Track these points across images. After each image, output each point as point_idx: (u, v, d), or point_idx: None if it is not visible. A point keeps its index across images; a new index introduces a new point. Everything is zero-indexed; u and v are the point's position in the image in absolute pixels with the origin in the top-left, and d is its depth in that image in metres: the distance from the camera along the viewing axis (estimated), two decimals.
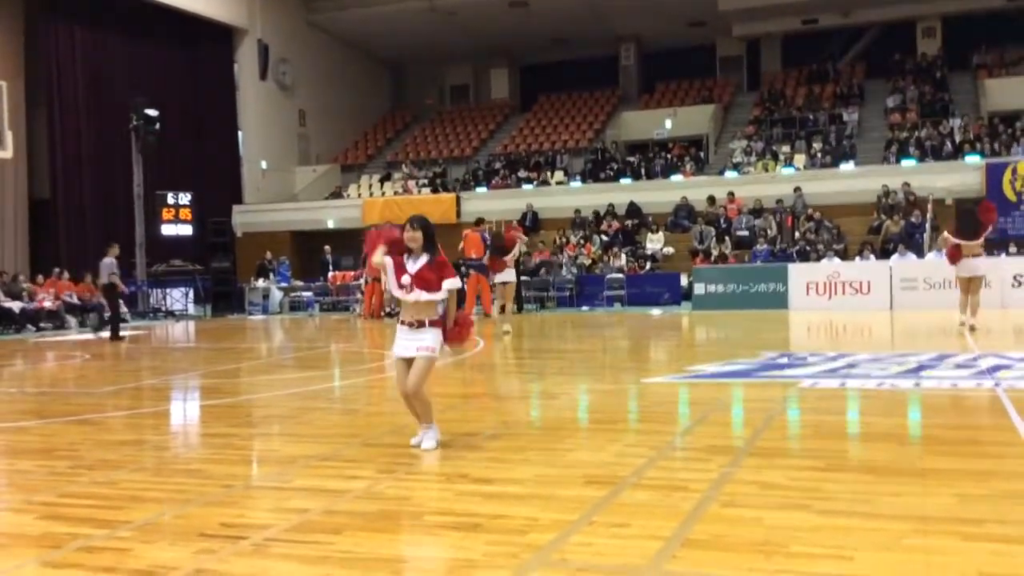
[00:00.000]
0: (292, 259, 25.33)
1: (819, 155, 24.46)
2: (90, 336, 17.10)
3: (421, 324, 5.49)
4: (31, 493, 4.84)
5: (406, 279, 5.45)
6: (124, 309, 16.75)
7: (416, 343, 5.48)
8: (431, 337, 5.49)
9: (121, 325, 16.67)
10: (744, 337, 12.75)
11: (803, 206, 22.14)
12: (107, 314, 16.80)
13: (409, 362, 5.52)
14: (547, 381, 8.83)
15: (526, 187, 26.24)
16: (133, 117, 22.08)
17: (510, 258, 14.27)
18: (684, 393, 7.80)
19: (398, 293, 5.52)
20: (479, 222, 17.87)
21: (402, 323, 5.55)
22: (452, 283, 5.50)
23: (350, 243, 23.68)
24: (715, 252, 21.09)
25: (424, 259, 5.48)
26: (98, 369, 11.60)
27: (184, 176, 25.07)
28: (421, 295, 5.44)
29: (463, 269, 17.18)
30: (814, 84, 28.73)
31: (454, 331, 5.64)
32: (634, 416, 6.89)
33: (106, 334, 16.28)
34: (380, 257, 5.51)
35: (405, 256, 5.53)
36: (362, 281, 19.93)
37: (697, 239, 21.98)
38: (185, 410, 8.25)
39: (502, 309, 14.74)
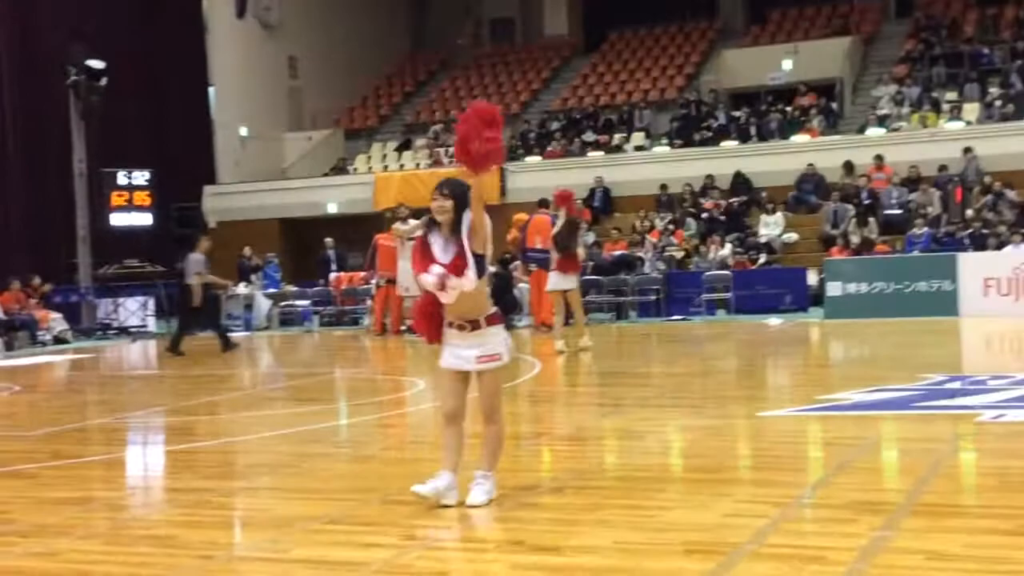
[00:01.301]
0: (282, 256, 25.60)
1: (998, 104, 24.03)
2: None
3: (476, 325, 5.50)
4: None
5: (436, 271, 5.41)
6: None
7: (475, 350, 5.49)
8: (495, 340, 5.51)
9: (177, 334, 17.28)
10: (898, 354, 12.63)
11: (977, 173, 21.78)
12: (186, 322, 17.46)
13: (463, 376, 5.54)
14: (628, 415, 8.83)
15: (593, 155, 26.18)
16: (71, 71, 22.45)
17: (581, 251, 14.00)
18: (816, 430, 7.73)
19: (431, 287, 5.45)
20: (543, 204, 17.87)
21: (449, 325, 5.57)
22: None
23: (359, 234, 23.85)
24: (855, 238, 20.85)
25: (457, 246, 5.42)
26: (31, 405, 11.84)
27: (140, 148, 25.44)
28: (462, 283, 5.39)
29: (526, 265, 17.28)
30: (989, 6, 28.25)
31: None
32: (748, 462, 6.87)
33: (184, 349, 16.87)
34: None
35: (429, 235, 5.52)
36: (373, 283, 19.98)
37: (830, 221, 21.76)
38: (146, 458, 8.38)
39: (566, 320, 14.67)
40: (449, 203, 5.44)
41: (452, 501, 5.51)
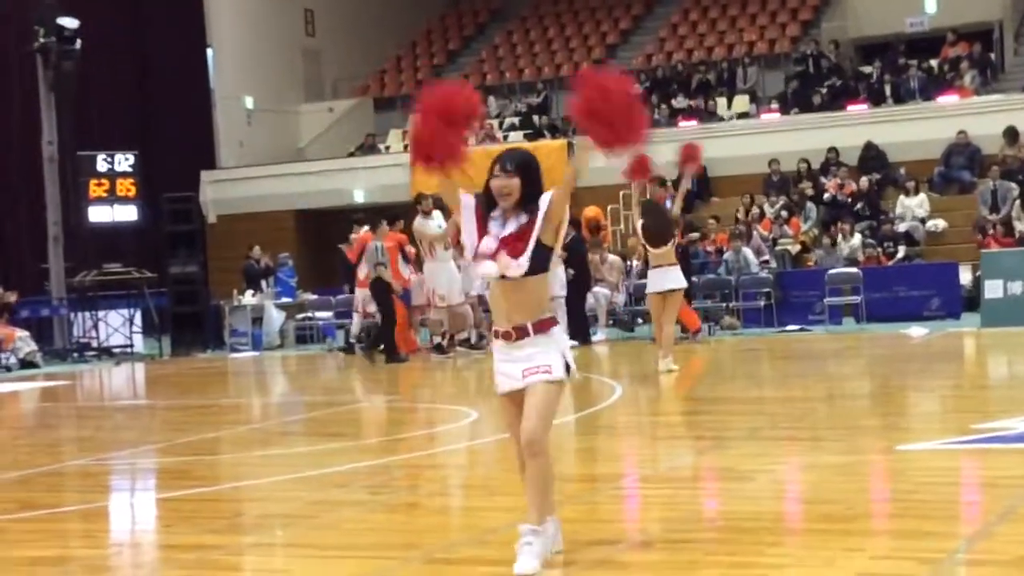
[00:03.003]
0: (298, 257, 25.74)
1: None
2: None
3: (523, 332, 5.47)
4: None
5: (489, 243, 5.42)
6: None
7: (522, 364, 5.47)
8: (547, 350, 5.46)
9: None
10: None
11: None
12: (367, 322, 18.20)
13: (518, 400, 5.51)
14: (732, 451, 8.79)
15: (685, 125, 26.06)
16: (39, 32, 22.72)
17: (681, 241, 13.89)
18: (973, 468, 7.68)
19: (476, 266, 5.53)
20: (659, 183, 17.89)
21: (496, 335, 5.58)
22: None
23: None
24: (1020, 225, 20.62)
25: (523, 220, 5.45)
26: None
27: (123, 126, 25.71)
28: (510, 264, 5.38)
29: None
30: None
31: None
32: (886, 508, 6.80)
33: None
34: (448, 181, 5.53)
35: (490, 214, 5.52)
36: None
37: (988, 203, 21.53)
38: (135, 508, 8.46)
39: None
40: (516, 181, 5.43)
41: (558, 547, 5.54)
